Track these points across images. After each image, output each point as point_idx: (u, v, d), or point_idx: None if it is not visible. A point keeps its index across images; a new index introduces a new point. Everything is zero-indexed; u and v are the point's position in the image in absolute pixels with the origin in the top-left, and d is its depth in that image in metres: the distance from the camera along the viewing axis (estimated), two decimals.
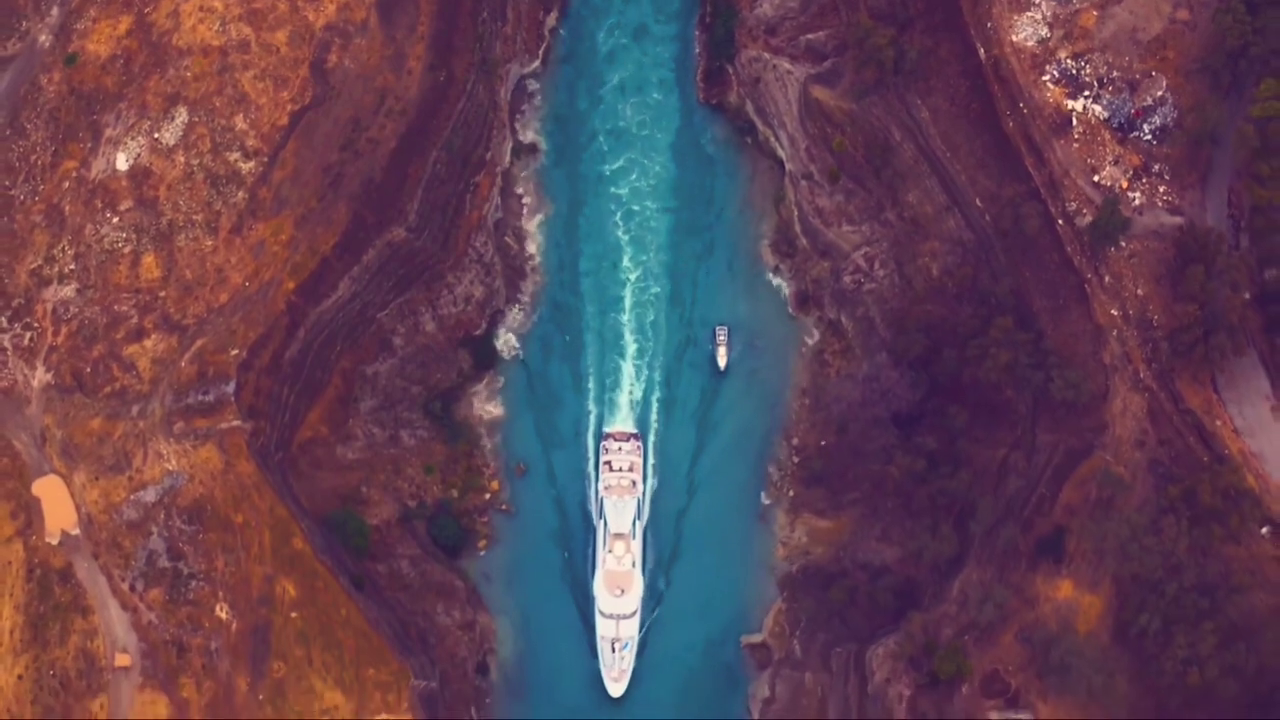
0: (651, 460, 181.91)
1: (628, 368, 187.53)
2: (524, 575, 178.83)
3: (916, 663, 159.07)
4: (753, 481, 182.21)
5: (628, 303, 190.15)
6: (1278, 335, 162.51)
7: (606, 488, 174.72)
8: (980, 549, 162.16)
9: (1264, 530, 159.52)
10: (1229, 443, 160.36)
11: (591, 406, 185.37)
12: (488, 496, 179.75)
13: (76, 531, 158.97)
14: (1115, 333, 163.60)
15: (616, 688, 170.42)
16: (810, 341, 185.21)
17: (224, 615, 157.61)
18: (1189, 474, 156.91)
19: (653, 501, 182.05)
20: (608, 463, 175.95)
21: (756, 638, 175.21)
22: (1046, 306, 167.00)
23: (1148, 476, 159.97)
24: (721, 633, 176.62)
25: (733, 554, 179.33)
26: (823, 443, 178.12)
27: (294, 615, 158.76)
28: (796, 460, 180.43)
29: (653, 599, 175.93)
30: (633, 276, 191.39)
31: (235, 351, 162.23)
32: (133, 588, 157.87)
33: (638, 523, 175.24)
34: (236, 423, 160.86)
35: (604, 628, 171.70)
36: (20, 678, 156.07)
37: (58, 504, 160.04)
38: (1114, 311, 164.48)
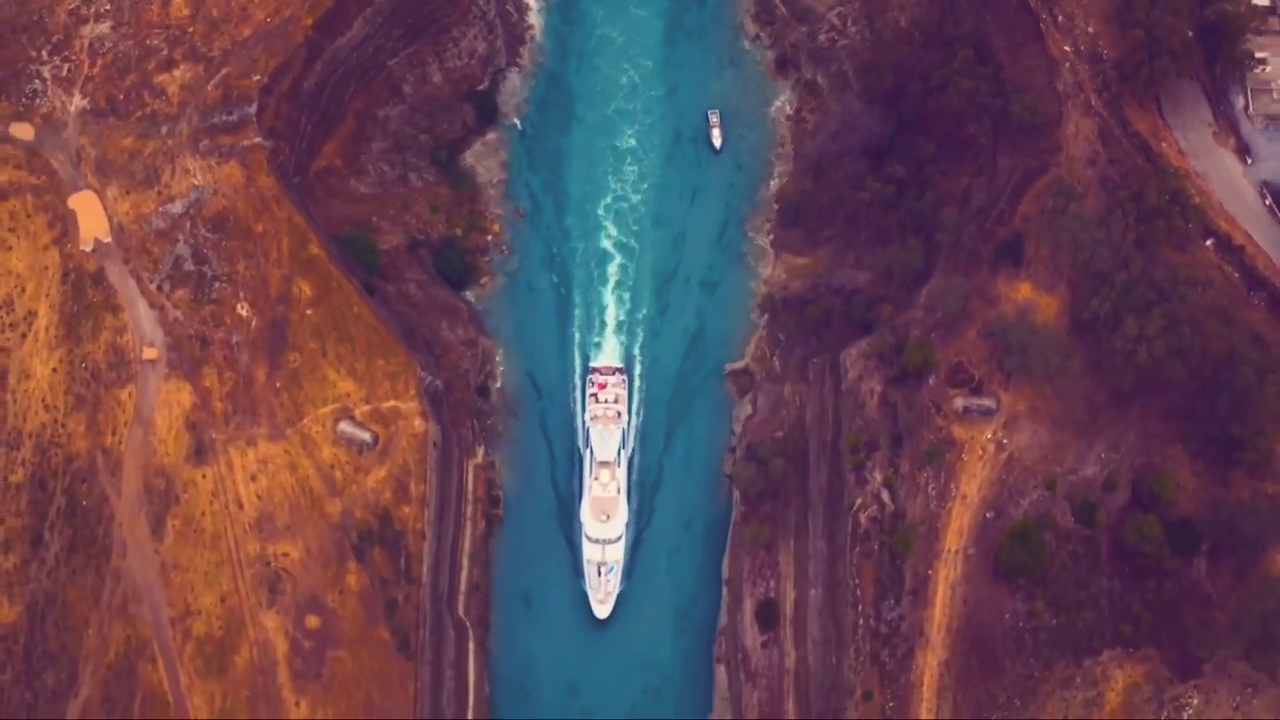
0: (650, 259, 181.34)
1: (623, 148, 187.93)
2: (522, 312, 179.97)
3: (887, 360, 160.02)
4: (738, 230, 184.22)
5: (621, 87, 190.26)
6: (1218, 67, 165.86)
7: (593, 418, 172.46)
8: (946, 260, 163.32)
9: (1208, 242, 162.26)
10: (1174, 161, 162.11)
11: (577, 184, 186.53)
12: (489, 238, 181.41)
13: (109, 240, 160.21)
14: (1068, 65, 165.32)
15: (602, 609, 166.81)
16: (789, 101, 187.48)
17: (244, 313, 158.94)
18: (1137, 184, 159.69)
19: (657, 272, 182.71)
20: (594, 395, 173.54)
21: (739, 364, 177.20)
22: (1004, 45, 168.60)
23: (1099, 191, 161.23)
24: (710, 360, 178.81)
25: (718, 294, 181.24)
26: (801, 187, 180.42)
27: (309, 312, 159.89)
28: (777, 207, 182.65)
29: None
30: (627, 75, 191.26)
31: (257, 77, 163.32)
32: (160, 288, 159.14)
33: (623, 451, 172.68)
34: (258, 140, 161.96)
35: (590, 552, 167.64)
36: (55, 370, 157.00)
37: (91, 216, 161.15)
38: (1066, 47, 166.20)
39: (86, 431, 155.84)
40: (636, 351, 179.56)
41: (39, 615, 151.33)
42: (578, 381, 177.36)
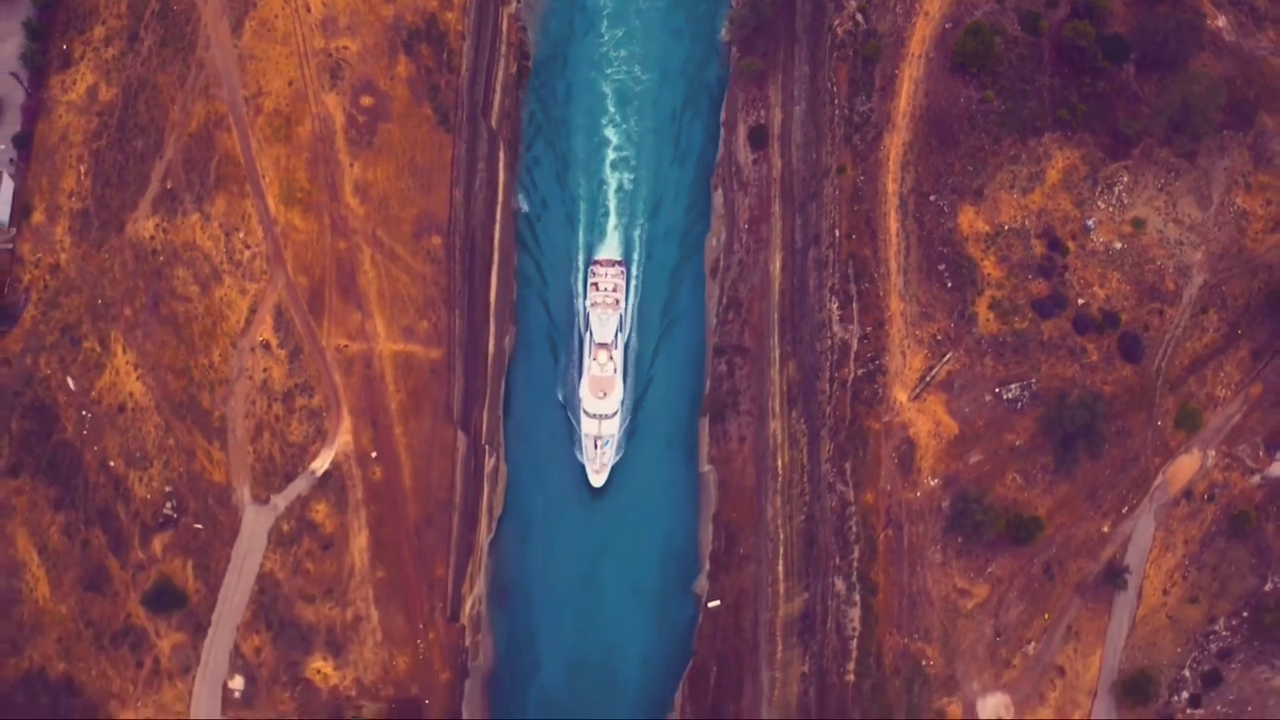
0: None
1: None
2: None
3: None
4: None
5: None
6: None
7: (593, 304, 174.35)
8: None
9: None
10: None
11: None
12: None
13: None
14: None
15: (598, 479, 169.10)
16: None
17: None
18: None
19: None
20: (594, 284, 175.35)
21: None
22: None
23: None
24: None
25: None
26: None
27: None
28: None
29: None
30: None
31: None
32: None
33: (620, 335, 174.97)
34: None
35: (588, 426, 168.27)
36: None
37: None
38: None
39: None
40: None
41: (133, 94, 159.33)
42: (580, 271, 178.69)
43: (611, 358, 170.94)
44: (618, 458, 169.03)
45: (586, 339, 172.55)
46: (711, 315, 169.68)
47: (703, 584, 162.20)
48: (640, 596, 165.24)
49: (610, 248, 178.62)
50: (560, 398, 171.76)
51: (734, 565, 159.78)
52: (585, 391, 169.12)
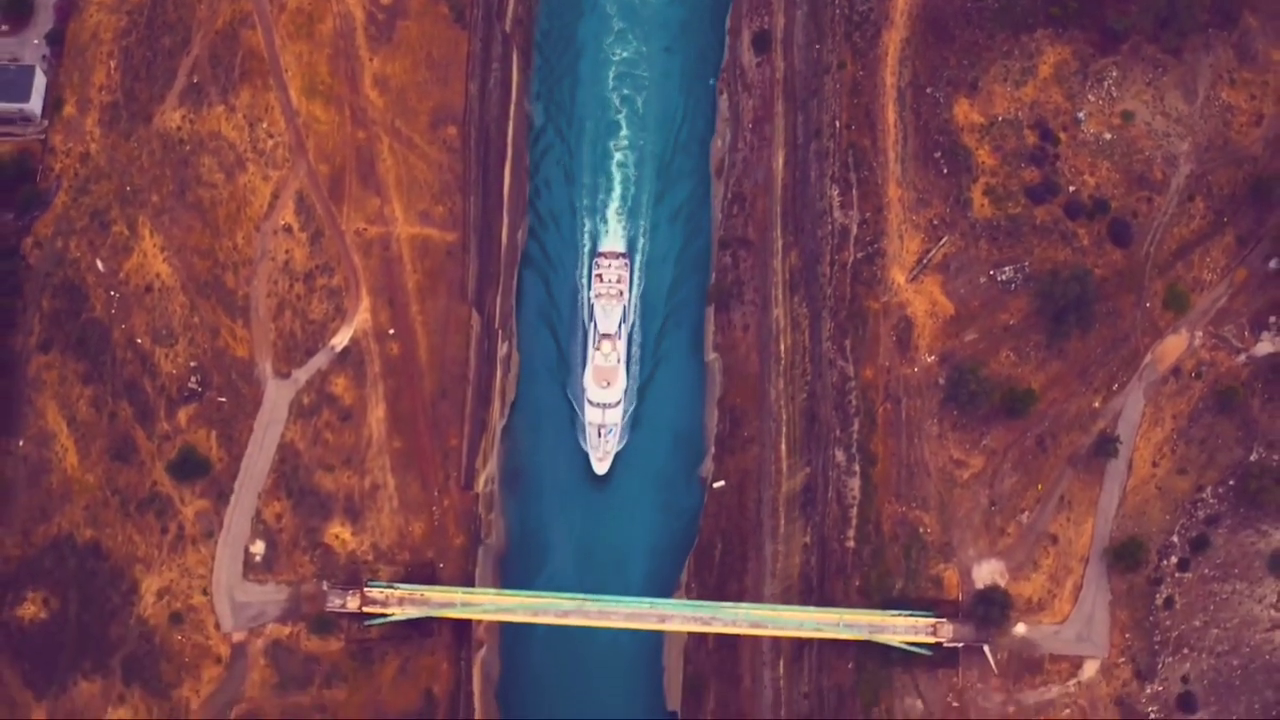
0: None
1: None
2: None
3: None
4: None
5: None
6: None
7: (597, 295, 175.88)
8: None
9: None
10: None
11: None
12: None
13: None
14: None
15: (601, 466, 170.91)
16: None
17: None
18: None
19: None
20: (599, 275, 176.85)
21: None
22: None
23: None
24: None
25: None
26: None
27: None
28: None
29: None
30: None
31: None
32: None
33: (623, 325, 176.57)
34: None
35: (591, 415, 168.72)
36: None
37: None
38: None
39: None
40: None
41: None
42: (585, 261, 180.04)
43: (615, 348, 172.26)
44: (621, 445, 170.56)
45: (590, 329, 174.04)
46: (717, 211, 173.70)
47: (708, 466, 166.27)
48: (648, 481, 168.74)
49: (619, 183, 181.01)
50: (564, 386, 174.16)
51: (738, 447, 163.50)
52: (589, 381, 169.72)
